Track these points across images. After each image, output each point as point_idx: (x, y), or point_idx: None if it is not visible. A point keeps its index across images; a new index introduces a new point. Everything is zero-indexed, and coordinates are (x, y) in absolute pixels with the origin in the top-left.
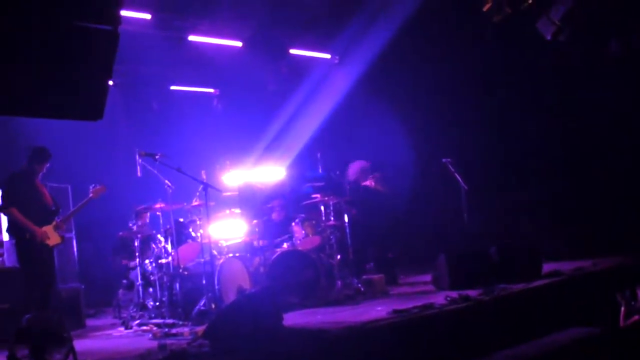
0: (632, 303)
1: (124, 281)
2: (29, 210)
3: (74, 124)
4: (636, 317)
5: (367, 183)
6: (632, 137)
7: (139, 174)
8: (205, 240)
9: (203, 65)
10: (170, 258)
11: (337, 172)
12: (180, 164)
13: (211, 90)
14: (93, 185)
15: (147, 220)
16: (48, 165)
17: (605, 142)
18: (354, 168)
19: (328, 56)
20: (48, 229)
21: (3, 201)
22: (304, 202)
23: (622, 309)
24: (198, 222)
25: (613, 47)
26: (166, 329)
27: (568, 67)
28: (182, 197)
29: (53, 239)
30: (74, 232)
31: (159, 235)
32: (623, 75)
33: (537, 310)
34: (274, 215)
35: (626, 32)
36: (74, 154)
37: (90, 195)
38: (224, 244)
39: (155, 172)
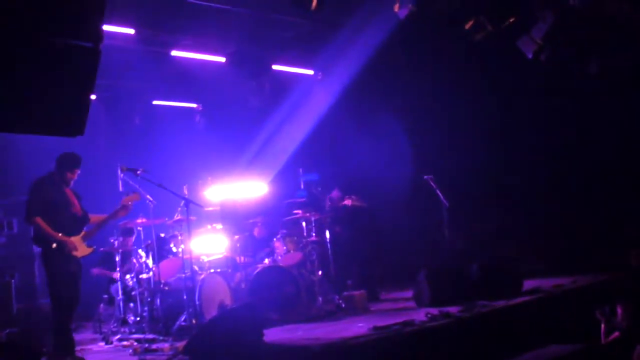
0: (612, 319)
1: (105, 296)
2: (56, 219)
3: (55, 137)
4: (617, 333)
5: (346, 202)
6: (612, 157)
7: (120, 189)
8: (187, 256)
9: (186, 80)
10: (151, 273)
11: (319, 189)
12: (162, 179)
13: (194, 105)
14: (126, 193)
15: (132, 241)
16: (79, 171)
17: (586, 162)
18: (331, 197)
19: (311, 72)
20: (76, 239)
21: (27, 211)
22: (286, 218)
23: (603, 326)
24: (179, 238)
25: (593, 66)
26: (146, 345)
27: (548, 86)
28: (164, 212)
29: (81, 250)
30: None
31: (140, 250)
32: (603, 94)
33: (518, 327)
34: (256, 231)
35: (606, 52)
36: None
37: (122, 203)
38: (205, 259)
39: (137, 187)
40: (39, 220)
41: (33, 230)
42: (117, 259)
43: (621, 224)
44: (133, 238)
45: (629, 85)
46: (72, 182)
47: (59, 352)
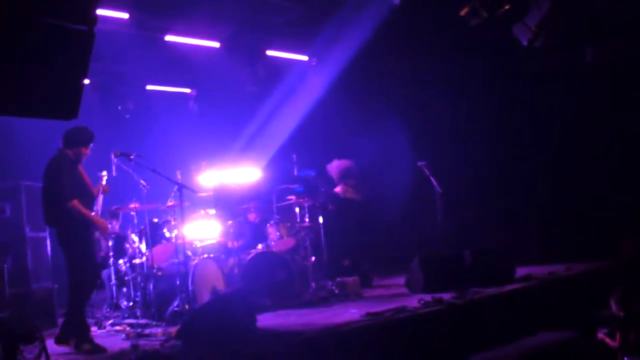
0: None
1: (97, 281)
2: (82, 200)
3: (49, 121)
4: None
5: (337, 190)
6: (607, 144)
7: (114, 173)
8: (180, 241)
9: (180, 65)
10: (144, 258)
11: (312, 174)
12: (156, 164)
13: (187, 90)
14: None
15: (118, 226)
16: (92, 145)
17: (580, 148)
18: (335, 167)
19: (305, 58)
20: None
21: (58, 195)
22: (279, 204)
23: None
24: (172, 223)
25: (588, 55)
26: (139, 329)
27: (543, 74)
28: (157, 197)
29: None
30: (47, 231)
31: (133, 235)
32: (597, 82)
33: (510, 314)
34: (249, 217)
35: (602, 40)
36: (48, 152)
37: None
38: (199, 244)
39: (131, 171)
40: (76, 203)
41: (57, 213)
42: (110, 243)
43: (615, 213)
44: (119, 223)
45: (622, 72)
46: (84, 159)
47: (77, 338)
